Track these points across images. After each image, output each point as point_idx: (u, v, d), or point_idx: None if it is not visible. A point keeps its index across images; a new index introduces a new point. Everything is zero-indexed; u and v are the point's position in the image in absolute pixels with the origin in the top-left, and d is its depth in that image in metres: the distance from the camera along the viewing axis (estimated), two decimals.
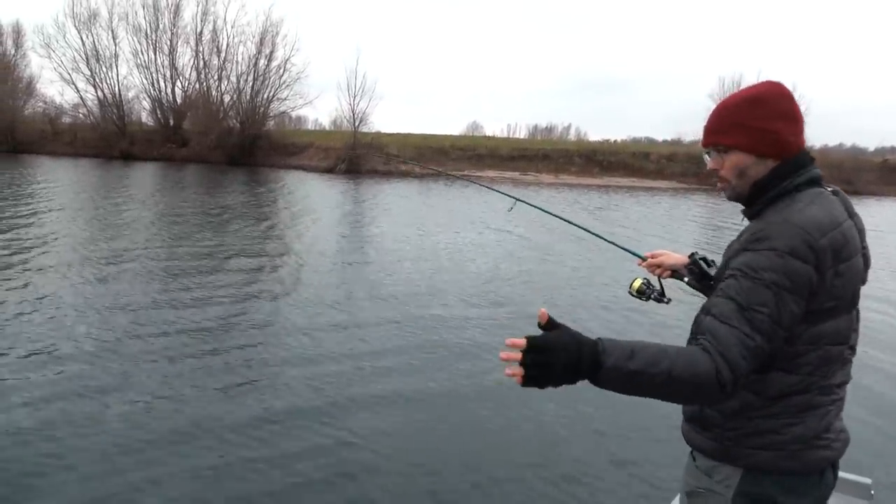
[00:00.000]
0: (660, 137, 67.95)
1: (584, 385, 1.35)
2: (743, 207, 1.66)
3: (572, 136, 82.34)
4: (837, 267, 1.46)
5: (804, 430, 1.54)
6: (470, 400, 5.53)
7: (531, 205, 2.94)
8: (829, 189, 1.59)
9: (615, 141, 62.35)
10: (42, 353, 6.12)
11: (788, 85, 1.64)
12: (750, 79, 62.25)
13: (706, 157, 1.66)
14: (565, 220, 2.77)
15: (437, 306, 8.60)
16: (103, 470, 4.14)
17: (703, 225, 20.66)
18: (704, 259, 1.93)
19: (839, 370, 1.58)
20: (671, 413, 1.76)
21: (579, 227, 2.73)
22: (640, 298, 2.07)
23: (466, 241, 14.67)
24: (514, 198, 2.91)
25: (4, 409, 4.90)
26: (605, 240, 2.55)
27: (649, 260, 2.06)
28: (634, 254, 2.13)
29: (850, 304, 1.55)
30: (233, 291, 8.98)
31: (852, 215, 1.58)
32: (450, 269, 11.26)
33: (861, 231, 1.60)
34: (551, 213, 2.90)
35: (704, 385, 1.33)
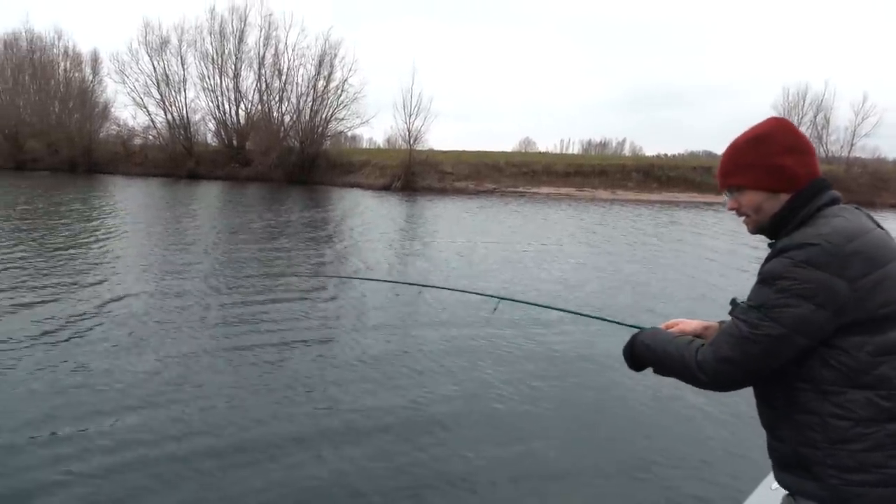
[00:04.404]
0: (720, 151, 65.72)
1: None
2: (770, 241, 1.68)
3: (627, 150, 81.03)
4: (877, 271, 1.45)
5: None
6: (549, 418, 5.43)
7: (515, 300, 2.83)
8: (852, 206, 1.63)
9: (672, 155, 61.02)
10: (110, 356, 6.38)
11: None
12: (817, 88, 59.93)
13: (725, 197, 1.74)
14: (559, 310, 2.65)
15: (490, 326, 8.51)
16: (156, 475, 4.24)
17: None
18: None
19: None
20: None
21: (583, 315, 2.59)
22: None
23: (522, 260, 14.55)
24: (497, 297, 2.69)
25: (82, 406, 5.13)
26: (612, 321, 2.33)
27: None
28: (647, 329, 1.92)
29: None
30: (296, 307, 9.14)
31: (880, 227, 1.58)
32: (511, 285, 11.16)
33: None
34: (539, 305, 2.87)
35: (688, 361, 1.62)
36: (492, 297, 2.81)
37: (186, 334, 7.60)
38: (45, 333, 7.31)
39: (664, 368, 1.73)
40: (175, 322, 8.08)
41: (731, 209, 1.72)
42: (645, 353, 1.78)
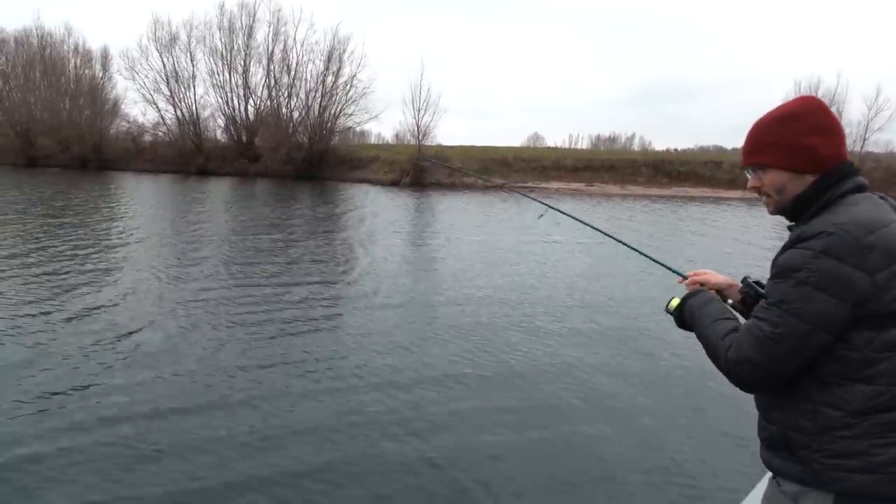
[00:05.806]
0: (729, 146, 65.27)
1: None
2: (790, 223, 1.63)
3: (636, 145, 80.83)
4: (895, 265, 1.40)
5: None
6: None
7: (563, 212, 2.86)
8: (877, 195, 1.57)
9: (682, 150, 60.64)
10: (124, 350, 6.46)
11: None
12: (829, 82, 59.31)
13: (747, 175, 1.67)
14: (602, 232, 2.64)
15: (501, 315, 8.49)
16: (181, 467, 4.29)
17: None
18: (759, 283, 1.78)
19: None
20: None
21: (618, 240, 2.56)
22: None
23: (531, 252, 14.52)
24: (546, 205, 2.87)
25: (100, 395, 5.36)
26: (645, 255, 2.40)
27: (692, 278, 1.94)
28: (675, 271, 2.03)
29: None
30: (309, 300, 9.18)
31: None
32: (518, 281, 11.13)
33: None
34: (584, 223, 2.78)
35: (719, 355, 1.57)
36: (541, 203, 3.02)
37: (220, 321, 7.75)
38: (78, 318, 7.63)
39: (701, 345, 1.71)
40: (212, 310, 8.21)
41: (752, 188, 1.66)
42: (689, 319, 1.76)
